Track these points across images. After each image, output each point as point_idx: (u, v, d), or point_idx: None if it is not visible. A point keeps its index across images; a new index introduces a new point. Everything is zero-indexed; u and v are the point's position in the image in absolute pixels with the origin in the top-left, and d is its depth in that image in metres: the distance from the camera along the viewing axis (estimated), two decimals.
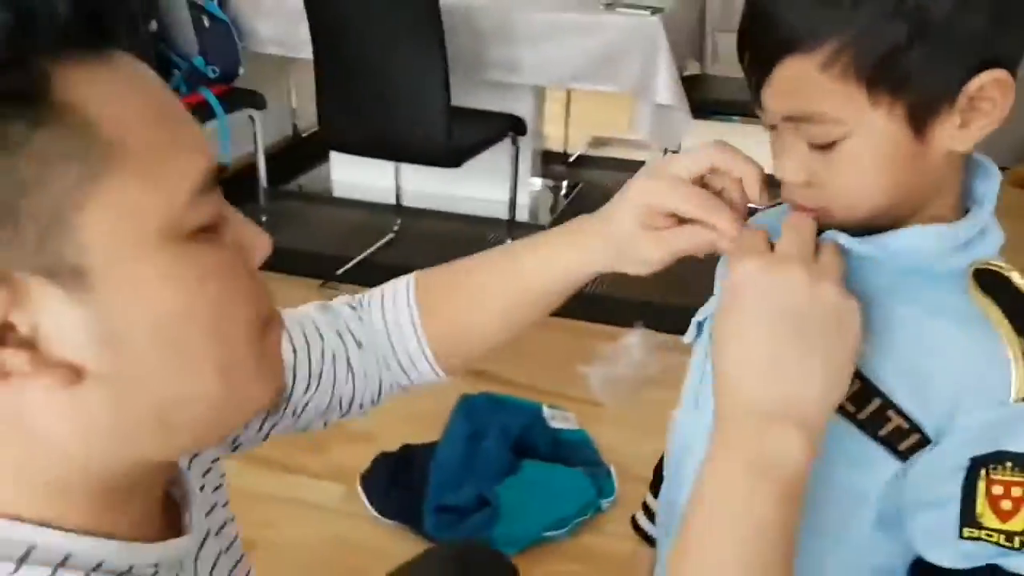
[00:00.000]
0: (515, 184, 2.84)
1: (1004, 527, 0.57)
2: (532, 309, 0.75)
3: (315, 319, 0.77)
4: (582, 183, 3.63)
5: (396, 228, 3.14)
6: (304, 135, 3.97)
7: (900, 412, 0.59)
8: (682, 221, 0.67)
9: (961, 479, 0.57)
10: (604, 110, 3.88)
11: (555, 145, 3.89)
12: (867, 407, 0.60)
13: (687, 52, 3.07)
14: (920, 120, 0.55)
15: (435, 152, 2.53)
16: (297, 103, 3.92)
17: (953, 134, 0.56)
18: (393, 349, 0.77)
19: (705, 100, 2.84)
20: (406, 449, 1.95)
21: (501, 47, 2.67)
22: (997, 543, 0.57)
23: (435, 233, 3.15)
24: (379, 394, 0.79)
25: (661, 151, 3.41)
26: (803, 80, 0.55)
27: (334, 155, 3.42)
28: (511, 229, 2.92)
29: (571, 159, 3.90)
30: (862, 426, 0.61)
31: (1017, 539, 0.56)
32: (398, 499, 1.83)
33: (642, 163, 3.46)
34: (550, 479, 1.88)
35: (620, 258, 0.69)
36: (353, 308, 0.79)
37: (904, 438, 0.59)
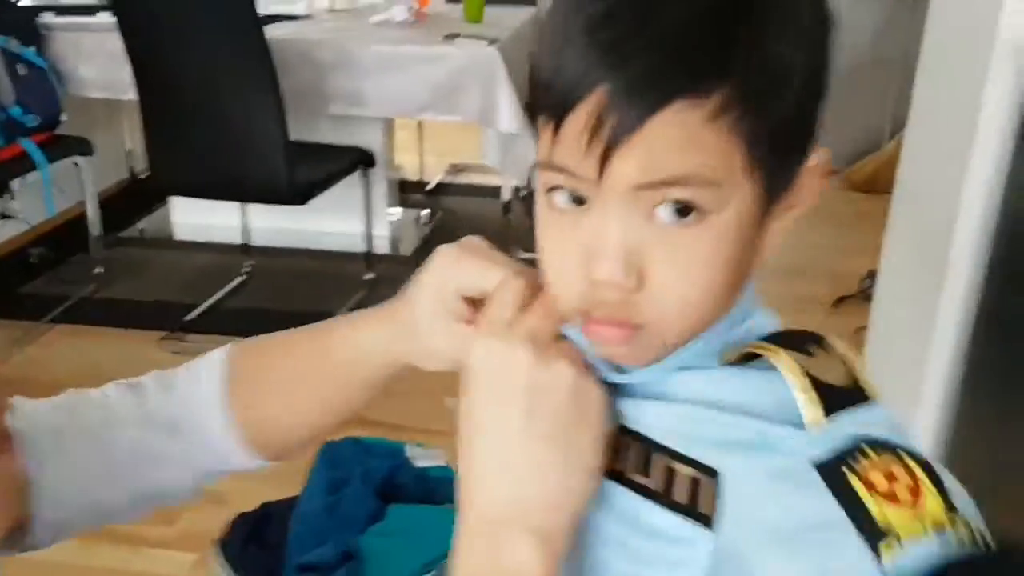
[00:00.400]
0: (369, 216, 2.80)
1: (916, 512, 0.43)
2: (347, 395, 0.67)
3: (117, 402, 0.69)
4: (443, 211, 3.62)
5: (246, 270, 3.02)
6: (141, 178, 3.78)
7: (683, 458, 0.49)
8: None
9: (826, 493, 0.44)
10: (459, 137, 3.89)
11: (412, 174, 3.87)
12: (653, 469, 0.50)
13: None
14: (769, 202, 0.47)
15: (277, 190, 2.46)
16: (132, 145, 3.74)
17: (775, 228, 0.49)
18: (203, 435, 0.69)
19: None
20: (266, 506, 1.85)
21: (342, 80, 2.62)
22: (926, 536, 0.42)
23: (289, 272, 3.05)
24: (199, 481, 0.72)
25: (513, 178, 3.44)
26: (684, 134, 0.42)
27: (174, 197, 3.27)
28: (370, 262, 2.88)
29: (430, 187, 3.88)
30: (659, 499, 0.50)
31: (949, 521, 0.43)
32: (255, 561, 1.72)
33: (500, 189, 3.53)
34: (417, 521, 1.82)
35: (415, 348, 0.61)
36: (165, 388, 0.71)
37: (698, 489, 0.48)
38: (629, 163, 0.43)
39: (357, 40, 2.69)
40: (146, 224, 3.45)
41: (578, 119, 0.43)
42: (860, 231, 3.13)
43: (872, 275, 2.62)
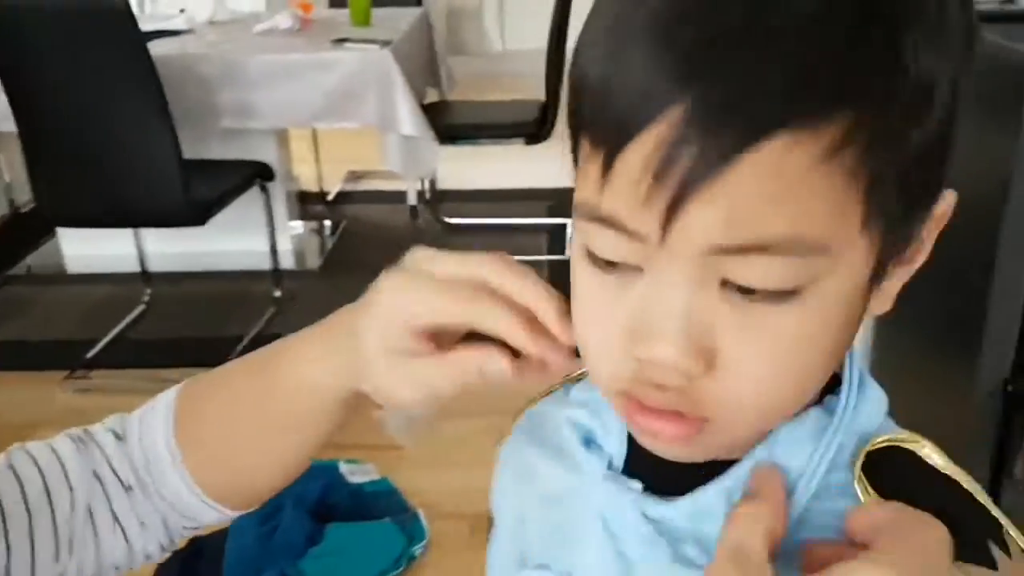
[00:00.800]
0: (272, 232, 2.73)
1: None
2: (302, 434, 0.58)
3: (65, 462, 0.61)
4: (346, 220, 3.56)
5: (146, 299, 2.90)
6: (23, 211, 3.58)
7: None
8: (442, 345, 0.47)
9: None
10: (355, 144, 3.81)
11: (311, 185, 3.79)
12: None
13: (424, 80, 3.08)
14: (887, 261, 0.36)
15: (174, 212, 2.36)
16: (11, 177, 3.54)
17: (886, 288, 0.38)
18: (160, 488, 0.62)
19: (449, 125, 2.85)
20: (195, 542, 1.78)
21: (232, 93, 2.55)
22: None
23: (193, 297, 2.95)
24: (170, 538, 0.64)
25: (417, 181, 3.41)
26: (788, 178, 0.31)
27: (62, 229, 3.11)
28: (277, 279, 2.80)
29: (330, 197, 3.81)
30: None
31: None
32: None
33: (404, 193, 3.47)
34: (357, 539, 1.79)
35: (370, 386, 0.50)
36: (119, 438, 0.63)
37: None
38: (706, 218, 0.31)
39: (243, 51, 2.63)
40: (34, 259, 3.27)
41: (637, 154, 0.32)
42: None
43: None
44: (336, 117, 2.60)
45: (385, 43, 2.58)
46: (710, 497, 0.40)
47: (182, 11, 3.11)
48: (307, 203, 3.61)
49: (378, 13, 3.02)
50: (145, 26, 2.35)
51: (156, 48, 2.40)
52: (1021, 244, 1.27)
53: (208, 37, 2.90)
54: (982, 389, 1.34)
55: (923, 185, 0.35)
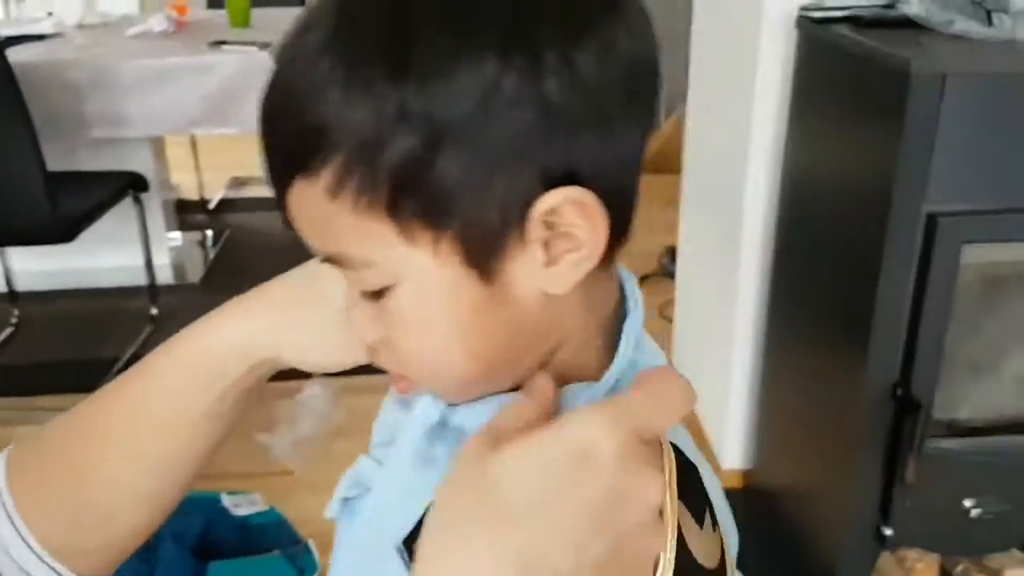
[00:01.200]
0: (147, 245, 2.59)
1: None
2: (187, 434, 0.53)
3: None
4: (230, 229, 3.41)
5: (14, 320, 2.72)
6: None
7: None
8: None
9: None
10: (238, 149, 3.66)
11: (191, 193, 3.62)
12: None
13: None
14: (480, 258, 0.41)
15: (39, 229, 2.23)
16: None
17: (538, 273, 0.42)
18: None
19: None
20: None
21: (103, 100, 2.42)
22: None
23: (65, 317, 2.80)
24: None
25: None
26: (317, 211, 0.41)
27: None
28: (153, 295, 2.66)
29: (212, 205, 3.65)
30: None
31: None
32: None
33: None
34: None
35: (302, 343, 0.53)
36: None
37: None
38: (305, 238, 0.44)
39: (114, 56, 2.50)
40: None
41: None
42: (652, 211, 3.25)
43: (671, 252, 2.71)
44: (215, 122, 2.50)
45: (265, 45, 2.48)
46: (474, 413, 0.48)
47: (50, 14, 2.93)
48: (187, 212, 3.45)
49: (258, 14, 2.91)
50: (8, 30, 2.21)
51: (20, 53, 2.28)
52: (905, 248, 1.29)
53: (77, 41, 2.74)
54: (872, 394, 1.36)
55: (459, 190, 0.39)
